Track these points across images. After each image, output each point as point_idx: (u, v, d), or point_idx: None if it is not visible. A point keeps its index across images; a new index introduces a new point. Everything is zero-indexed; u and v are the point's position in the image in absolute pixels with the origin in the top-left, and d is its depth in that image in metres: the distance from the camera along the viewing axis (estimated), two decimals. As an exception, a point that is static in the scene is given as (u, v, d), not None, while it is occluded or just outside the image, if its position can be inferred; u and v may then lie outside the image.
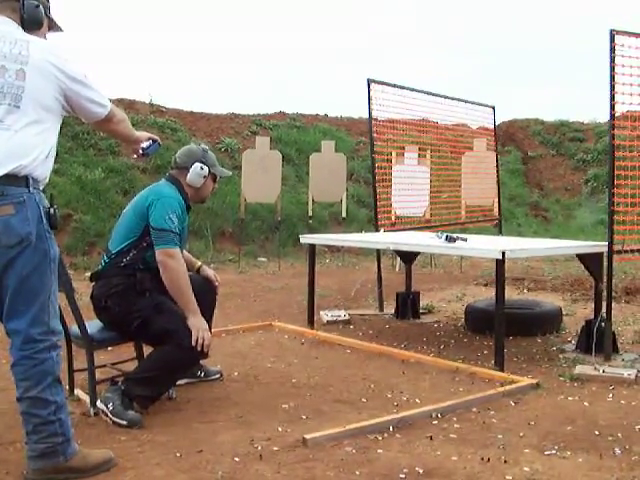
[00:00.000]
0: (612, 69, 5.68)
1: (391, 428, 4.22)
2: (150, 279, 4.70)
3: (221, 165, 5.46)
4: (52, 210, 3.47)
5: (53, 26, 3.78)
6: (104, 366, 5.08)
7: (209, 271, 5.34)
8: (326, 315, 7.57)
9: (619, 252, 5.86)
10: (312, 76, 37.34)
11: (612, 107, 5.71)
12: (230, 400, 4.88)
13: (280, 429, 4.24)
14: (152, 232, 4.66)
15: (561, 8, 44.91)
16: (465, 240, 6.18)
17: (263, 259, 13.41)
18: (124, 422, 4.34)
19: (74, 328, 4.70)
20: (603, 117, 19.29)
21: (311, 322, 7.23)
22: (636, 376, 5.23)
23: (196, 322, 4.56)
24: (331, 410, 4.63)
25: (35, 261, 3.39)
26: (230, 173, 5.56)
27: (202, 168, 4.93)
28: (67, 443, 3.52)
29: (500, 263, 5.45)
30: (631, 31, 5.75)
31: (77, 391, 4.95)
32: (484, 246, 6.06)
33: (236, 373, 5.58)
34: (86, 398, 4.70)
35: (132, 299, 4.67)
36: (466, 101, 10.07)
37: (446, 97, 9.50)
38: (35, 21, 3.57)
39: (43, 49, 3.45)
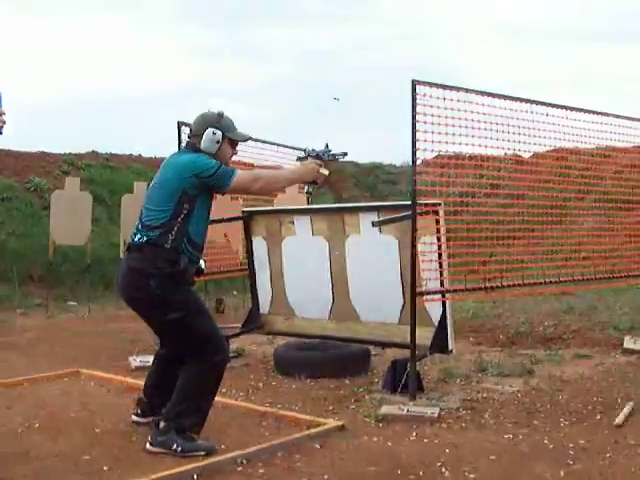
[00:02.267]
0: (414, 117, 5.87)
1: (196, 476, 4.15)
2: (192, 272, 4.76)
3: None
4: None
5: None
6: None
7: None
8: (134, 360, 7.39)
9: (421, 294, 6.02)
10: (125, 117, 36.79)
11: (414, 154, 5.89)
12: (29, 455, 4.64)
13: (81, 482, 4.09)
14: (211, 180, 4.68)
15: (371, 51, 46.37)
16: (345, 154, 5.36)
17: (73, 303, 12.98)
18: (203, 452, 4.56)
19: None
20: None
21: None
22: (439, 414, 5.37)
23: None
24: (135, 460, 4.50)
25: None
26: (249, 136, 5.29)
27: (214, 133, 4.81)
28: None
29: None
30: (432, 82, 5.96)
31: None
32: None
33: (37, 425, 5.33)
34: None
35: (174, 288, 4.63)
36: (279, 145, 10.13)
37: (257, 140, 9.53)
38: None
39: None
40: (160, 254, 4.63)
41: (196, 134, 4.91)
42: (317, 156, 5.02)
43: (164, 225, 4.65)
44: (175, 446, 4.55)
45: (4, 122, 3.72)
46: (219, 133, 4.85)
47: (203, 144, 4.85)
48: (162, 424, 4.67)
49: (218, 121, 4.89)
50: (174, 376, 4.80)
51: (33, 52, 40.87)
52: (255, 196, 8.62)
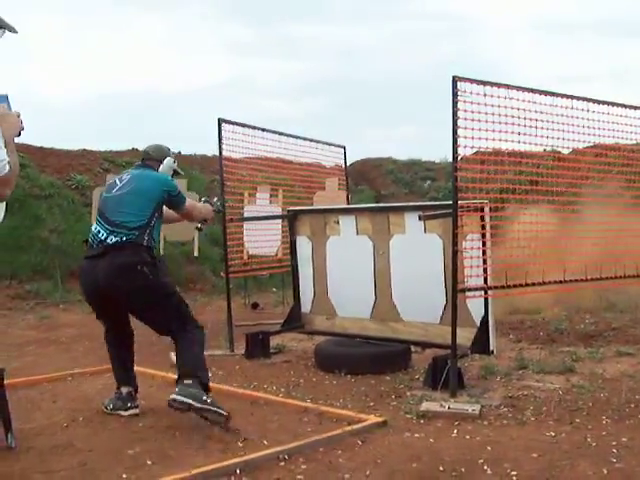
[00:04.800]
0: (455, 114, 5.87)
1: (238, 471, 4.19)
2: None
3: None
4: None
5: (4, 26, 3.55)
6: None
7: None
8: (175, 356, 7.43)
9: (462, 290, 6.02)
10: (166, 114, 37.04)
11: (455, 150, 5.89)
12: (73, 447, 4.74)
13: (125, 476, 4.16)
14: (174, 200, 5.67)
15: (411, 47, 46.22)
16: None
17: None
18: (225, 412, 5.08)
19: None
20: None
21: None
22: (480, 411, 5.36)
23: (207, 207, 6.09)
24: (177, 454, 4.56)
25: None
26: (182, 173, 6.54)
27: (174, 162, 5.93)
28: None
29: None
30: (473, 78, 5.95)
31: None
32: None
33: (81, 418, 5.43)
34: None
35: (160, 272, 5.42)
36: (317, 141, 10.18)
37: (297, 137, 9.59)
38: None
39: None
40: (140, 250, 5.37)
41: (156, 159, 5.87)
42: (209, 203, 6.14)
43: (142, 227, 5.41)
44: (205, 397, 5.10)
45: (23, 127, 3.75)
46: (175, 164, 5.97)
47: (162, 168, 5.84)
48: (187, 380, 5.19)
49: (171, 154, 6.01)
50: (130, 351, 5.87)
51: (75, 52, 41.29)
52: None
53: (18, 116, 3.67)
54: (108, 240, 5.38)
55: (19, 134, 3.66)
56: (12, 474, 4.21)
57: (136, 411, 5.56)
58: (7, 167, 3.36)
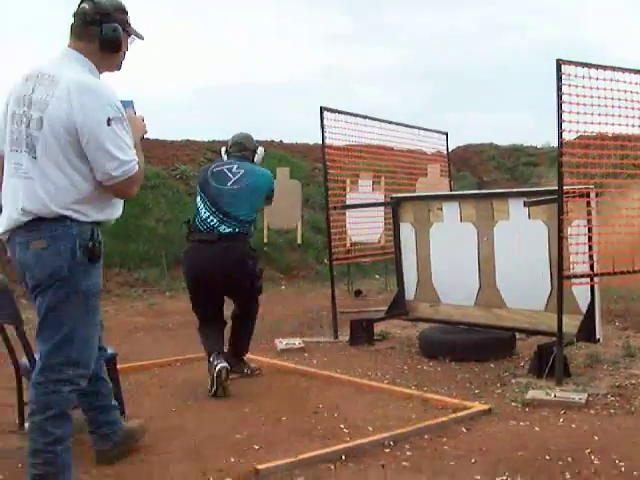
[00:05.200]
0: (559, 97, 5.78)
1: (343, 457, 4.24)
2: None
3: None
4: (91, 243, 3.56)
5: (134, 34, 3.85)
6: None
7: None
8: (280, 343, 7.57)
9: (568, 277, 5.94)
10: (267, 104, 37.41)
11: (560, 135, 5.80)
12: (183, 431, 4.87)
13: (233, 460, 4.25)
14: (272, 193, 6.28)
15: (511, 32, 45.47)
16: None
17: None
18: (257, 370, 6.44)
19: (24, 360, 4.66)
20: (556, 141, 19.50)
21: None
22: (586, 400, 5.29)
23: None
24: (284, 440, 4.63)
25: (62, 294, 3.51)
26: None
27: (265, 151, 6.47)
28: (56, 476, 3.55)
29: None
30: (577, 61, 5.85)
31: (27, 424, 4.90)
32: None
33: (189, 402, 5.58)
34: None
35: (258, 262, 6.19)
36: (419, 128, 10.15)
37: (398, 124, 9.57)
38: (113, 46, 3.72)
39: (66, 88, 3.47)
40: (248, 241, 6.01)
41: (251, 149, 6.30)
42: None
43: (251, 221, 6.04)
44: (246, 369, 6.35)
45: (146, 131, 3.93)
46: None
47: (257, 158, 6.31)
48: (234, 359, 6.18)
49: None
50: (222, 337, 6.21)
51: (178, 45, 41.99)
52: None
53: (142, 120, 3.91)
54: (220, 229, 5.89)
55: (143, 137, 3.86)
56: (127, 456, 4.35)
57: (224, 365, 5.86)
58: (136, 167, 3.57)
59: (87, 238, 3.54)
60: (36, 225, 3.49)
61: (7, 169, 3.63)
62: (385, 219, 10.02)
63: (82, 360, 3.61)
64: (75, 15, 3.68)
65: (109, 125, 3.45)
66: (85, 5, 3.65)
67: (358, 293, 11.86)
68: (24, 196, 3.50)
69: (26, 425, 4.83)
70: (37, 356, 3.65)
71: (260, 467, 4.00)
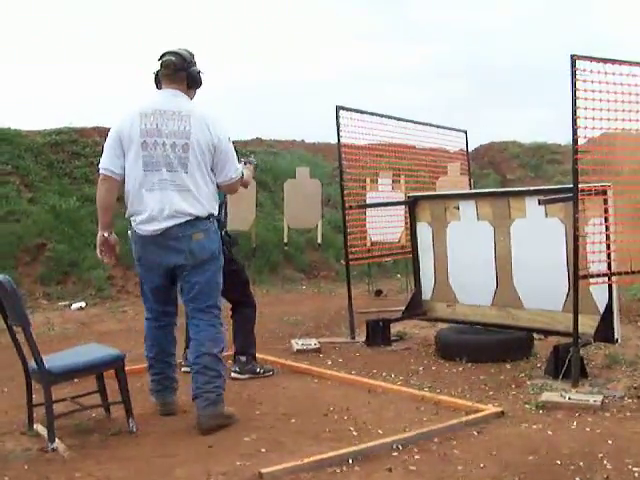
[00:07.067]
0: (574, 93, 5.68)
1: (350, 460, 4.19)
2: None
3: None
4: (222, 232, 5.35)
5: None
6: (64, 400, 5.02)
7: None
8: (296, 343, 7.52)
9: (585, 277, 5.84)
10: (288, 104, 37.28)
11: (574, 132, 5.70)
12: (192, 433, 4.84)
13: (239, 463, 4.21)
14: None
15: (530, 29, 45.13)
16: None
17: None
18: (272, 372, 6.46)
19: (32, 363, 4.65)
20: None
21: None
22: (602, 402, 5.20)
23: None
24: (292, 442, 4.59)
25: (216, 267, 5.03)
26: None
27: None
28: (222, 395, 4.92)
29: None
30: (592, 56, 5.74)
31: (37, 426, 4.90)
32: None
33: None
34: (45, 433, 4.64)
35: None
36: (437, 126, 10.07)
37: (415, 122, 9.49)
38: (198, 84, 5.13)
39: (200, 120, 4.88)
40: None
41: None
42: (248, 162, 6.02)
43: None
44: (259, 369, 6.38)
45: (255, 177, 5.87)
46: None
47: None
48: (243, 358, 6.34)
49: None
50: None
51: (204, 43, 42.05)
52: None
53: (255, 168, 6.08)
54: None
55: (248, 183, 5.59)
56: (132, 458, 4.33)
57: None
58: (240, 172, 5.13)
59: (219, 229, 5.13)
60: (192, 223, 4.83)
61: (143, 185, 4.83)
62: (405, 218, 9.93)
63: (221, 306, 5.18)
64: (164, 66, 4.93)
65: (229, 142, 4.99)
66: (172, 57, 4.92)
67: (379, 293, 11.80)
68: (184, 202, 4.80)
69: (35, 426, 4.87)
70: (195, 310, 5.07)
71: (264, 471, 3.96)
